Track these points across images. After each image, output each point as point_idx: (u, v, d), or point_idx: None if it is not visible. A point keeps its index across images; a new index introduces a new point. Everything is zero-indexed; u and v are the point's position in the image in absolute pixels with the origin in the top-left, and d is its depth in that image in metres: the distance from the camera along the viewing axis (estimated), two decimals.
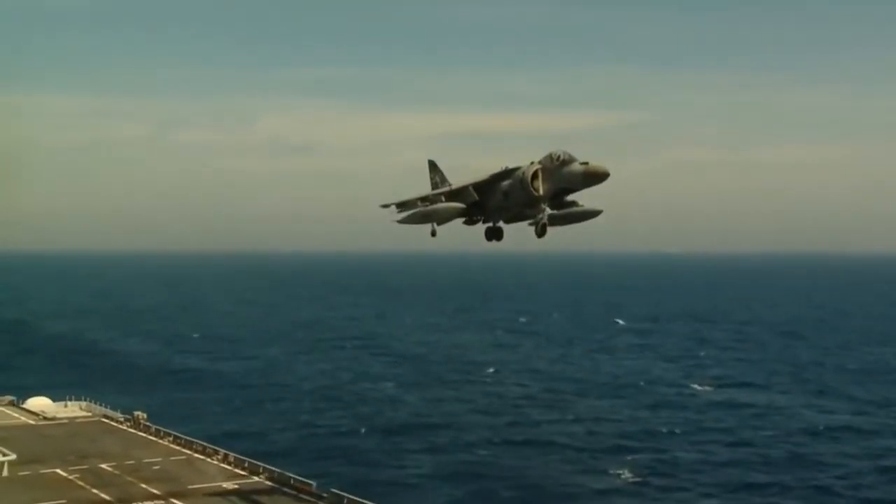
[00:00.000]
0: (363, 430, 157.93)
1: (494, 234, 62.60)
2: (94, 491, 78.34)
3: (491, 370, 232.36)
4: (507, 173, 57.72)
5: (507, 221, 61.56)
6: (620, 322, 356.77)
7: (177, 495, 76.91)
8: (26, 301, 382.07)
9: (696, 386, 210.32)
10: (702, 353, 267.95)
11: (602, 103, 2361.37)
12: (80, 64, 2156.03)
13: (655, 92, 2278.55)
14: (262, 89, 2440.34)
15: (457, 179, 61.64)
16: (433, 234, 60.68)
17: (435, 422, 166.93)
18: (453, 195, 59.93)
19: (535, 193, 55.63)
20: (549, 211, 56.81)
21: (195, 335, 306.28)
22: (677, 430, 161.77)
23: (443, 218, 59.63)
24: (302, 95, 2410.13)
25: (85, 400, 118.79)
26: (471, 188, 59.29)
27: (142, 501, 75.25)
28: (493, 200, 59.08)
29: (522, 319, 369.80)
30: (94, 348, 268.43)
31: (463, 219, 61.58)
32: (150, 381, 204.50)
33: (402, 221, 60.52)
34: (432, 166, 65.32)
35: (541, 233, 57.13)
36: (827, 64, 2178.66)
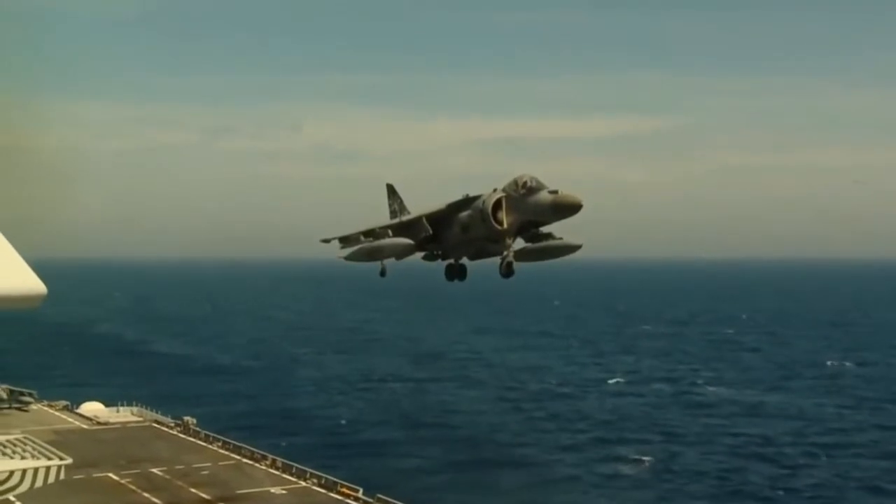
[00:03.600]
0: (387, 428, 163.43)
1: (456, 273, 54.73)
2: (146, 495, 78.24)
3: (513, 370, 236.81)
4: (465, 203, 49.94)
5: (472, 258, 53.48)
6: (647, 326, 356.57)
7: (226, 500, 76.53)
8: (72, 307, 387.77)
9: (711, 387, 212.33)
10: (727, 355, 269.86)
11: (642, 108, 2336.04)
12: (127, 72, 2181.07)
13: (694, 97, 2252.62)
14: (306, 96, 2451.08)
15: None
16: (382, 273, 52.97)
17: (457, 419, 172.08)
18: (402, 229, 52.09)
19: (498, 227, 47.75)
20: (514, 248, 49.05)
21: (237, 339, 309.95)
22: (688, 428, 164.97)
23: (391, 255, 51.88)
24: (346, 103, 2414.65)
25: (136, 405, 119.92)
26: (424, 220, 51.39)
27: None
28: (451, 234, 51.05)
29: (552, 323, 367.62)
30: (136, 351, 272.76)
31: (422, 254, 53.65)
32: (188, 383, 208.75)
33: (346, 258, 53.20)
34: (390, 191, 57.57)
35: (506, 272, 48.96)
36: (872, 66, 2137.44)
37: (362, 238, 52.26)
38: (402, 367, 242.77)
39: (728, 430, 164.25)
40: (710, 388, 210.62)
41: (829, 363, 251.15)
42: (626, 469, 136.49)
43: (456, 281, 55.04)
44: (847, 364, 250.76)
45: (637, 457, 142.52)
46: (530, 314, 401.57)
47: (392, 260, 52.92)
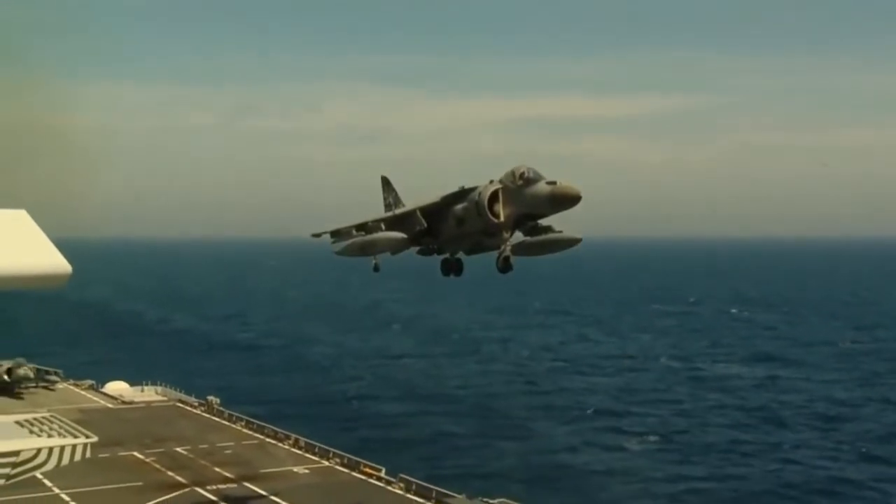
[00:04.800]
0: (402, 403, 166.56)
1: (452, 268, 52.70)
2: (170, 473, 77.76)
3: (527, 348, 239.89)
4: (461, 195, 47.85)
5: (468, 253, 51.66)
6: (660, 305, 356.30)
7: (249, 479, 75.84)
8: (97, 286, 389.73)
9: (721, 363, 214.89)
10: (740, 332, 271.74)
11: (668, 87, 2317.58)
12: (153, 53, 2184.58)
13: (720, 75, 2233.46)
14: (329, 77, 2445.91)
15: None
16: (376, 269, 50.77)
17: (471, 393, 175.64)
18: (396, 222, 49.99)
19: (494, 220, 45.77)
20: (510, 242, 47.20)
21: (257, 318, 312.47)
22: (697, 403, 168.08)
23: (384, 250, 49.66)
24: (369, 83, 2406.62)
25: (160, 385, 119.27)
26: (418, 213, 49.37)
27: (215, 484, 74.47)
28: (446, 228, 49.10)
29: (568, 303, 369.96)
30: (159, 330, 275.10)
31: (417, 248, 51.94)
32: (209, 361, 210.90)
33: (338, 253, 51.04)
34: (385, 183, 55.42)
35: (503, 268, 47.22)
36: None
37: (354, 232, 50.22)
38: (417, 345, 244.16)
39: (736, 405, 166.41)
40: (720, 365, 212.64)
41: (840, 341, 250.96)
42: (634, 441, 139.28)
43: (452, 276, 53.01)
44: (858, 341, 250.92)
45: (644, 430, 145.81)
46: (547, 294, 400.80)
47: (387, 254, 51.10)
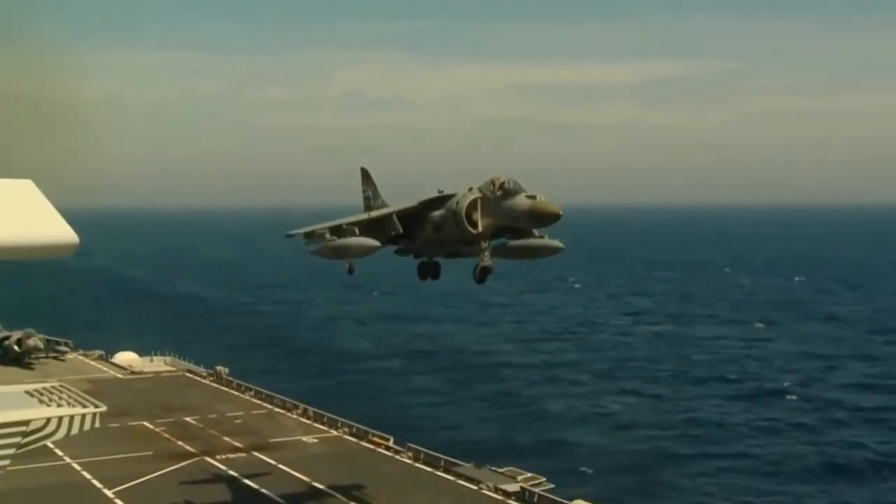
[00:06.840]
0: (401, 363, 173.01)
1: (429, 272, 51.29)
2: (180, 443, 77.49)
3: (528, 312, 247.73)
4: (439, 201, 46.57)
5: (446, 258, 50.14)
6: (659, 272, 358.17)
7: (259, 448, 75.61)
8: (105, 257, 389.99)
9: (710, 325, 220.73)
10: (737, 298, 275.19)
11: (679, 52, 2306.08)
12: (163, 21, 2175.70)
13: (732, 40, 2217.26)
14: (337, 44, 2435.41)
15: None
16: (350, 271, 49.13)
17: (468, 354, 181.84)
18: (371, 226, 48.53)
19: (472, 230, 44.33)
20: (489, 251, 45.49)
21: (263, 284, 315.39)
22: (689, 364, 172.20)
23: (358, 255, 47.77)
24: (377, 49, 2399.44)
25: (169, 355, 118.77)
26: (394, 218, 48.01)
27: (225, 454, 74.25)
28: (423, 234, 47.84)
29: (573, 269, 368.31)
30: (167, 299, 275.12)
31: (394, 247, 50.47)
32: (214, 328, 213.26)
33: (313, 253, 49.52)
34: (365, 175, 53.54)
35: (480, 278, 45.62)
36: None
37: (328, 235, 48.45)
38: (417, 310, 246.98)
39: (724, 359, 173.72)
40: (712, 327, 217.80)
41: (832, 304, 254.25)
42: (622, 398, 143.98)
43: (429, 279, 51.81)
44: (854, 305, 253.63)
45: (633, 387, 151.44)
46: (551, 261, 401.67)
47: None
